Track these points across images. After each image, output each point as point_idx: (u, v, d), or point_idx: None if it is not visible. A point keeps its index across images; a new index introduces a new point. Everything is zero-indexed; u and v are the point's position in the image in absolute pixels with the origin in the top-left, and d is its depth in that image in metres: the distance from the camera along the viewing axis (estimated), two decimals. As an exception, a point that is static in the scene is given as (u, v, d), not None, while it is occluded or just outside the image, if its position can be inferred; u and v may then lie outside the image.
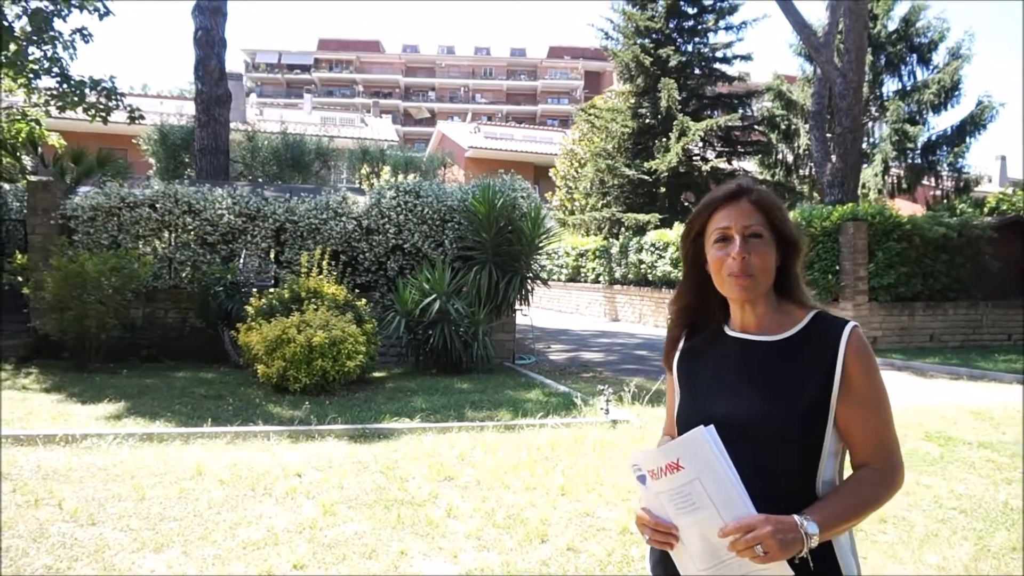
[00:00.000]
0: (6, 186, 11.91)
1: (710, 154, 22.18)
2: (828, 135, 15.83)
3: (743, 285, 1.44)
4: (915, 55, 20.84)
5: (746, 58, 22.23)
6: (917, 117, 20.54)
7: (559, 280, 22.34)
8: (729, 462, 1.32)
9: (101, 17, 11.98)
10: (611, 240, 19.95)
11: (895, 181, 21.27)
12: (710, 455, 1.31)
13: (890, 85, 21.41)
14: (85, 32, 11.90)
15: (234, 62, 68.19)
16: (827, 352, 1.40)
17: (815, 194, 21.16)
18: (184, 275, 9.64)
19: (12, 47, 11.02)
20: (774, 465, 1.37)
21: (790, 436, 1.37)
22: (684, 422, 1.49)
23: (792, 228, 1.48)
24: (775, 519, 1.27)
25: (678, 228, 16.12)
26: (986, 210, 14.31)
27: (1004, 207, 14.20)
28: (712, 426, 1.34)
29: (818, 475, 1.39)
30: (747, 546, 1.25)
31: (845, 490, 1.39)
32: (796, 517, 1.29)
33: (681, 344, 1.61)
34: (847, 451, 1.44)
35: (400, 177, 16.77)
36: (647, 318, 17.74)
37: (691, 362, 1.57)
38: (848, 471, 1.45)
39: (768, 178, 22.09)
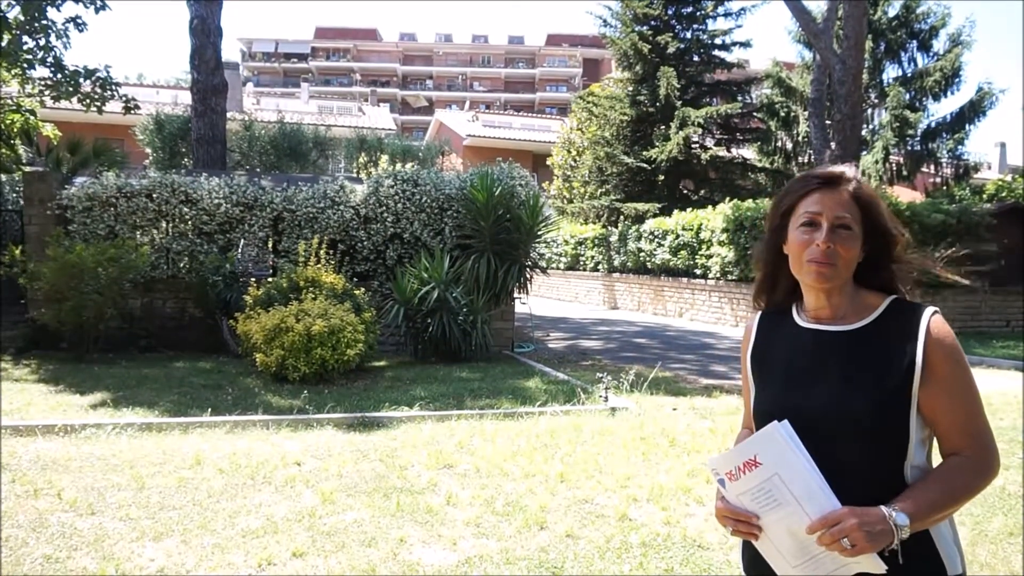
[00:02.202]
0: (2, 177, 11.87)
1: (709, 142, 22.11)
2: (827, 122, 15.77)
3: (823, 273, 1.40)
4: (915, 41, 20.75)
5: (745, 45, 22.13)
6: (917, 104, 20.48)
7: (558, 268, 22.34)
8: (806, 455, 1.30)
9: (97, 10, 11.87)
10: (610, 228, 19.93)
11: (895, 168, 21.23)
12: (786, 449, 1.30)
13: (890, 72, 21.35)
14: (79, 21, 11.79)
15: (230, 51, 67.90)
16: (907, 339, 1.36)
17: (814, 181, 21.08)
18: (182, 265, 9.62)
19: (5, 37, 10.92)
20: (857, 456, 1.34)
21: (871, 425, 1.33)
22: (761, 416, 1.46)
23: (888, 222, 1.44)
24: (861, 511, 1.24)
25: (677, 216, 16.10)
26: (985, 197, 14.30)
27: (1003, 194, 14.19)
28: (786, 420, 1.32)
29: (906, 464, 1.35)
30: (833, 540, 1.22)
31: (935, 479, 1.34)
32: (883, 508, 1.25)
33: (754, 334, 1.58)
34: (935, 439, 1.40)
35: (398, 166, 16.71)
36: (646, 306, 17.75)
37: (764, 354, 1.54)
38: (937, 460, 1.41)
39: (767, 165, 22.07)
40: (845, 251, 1.39)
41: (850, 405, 1.35)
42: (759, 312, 1.61)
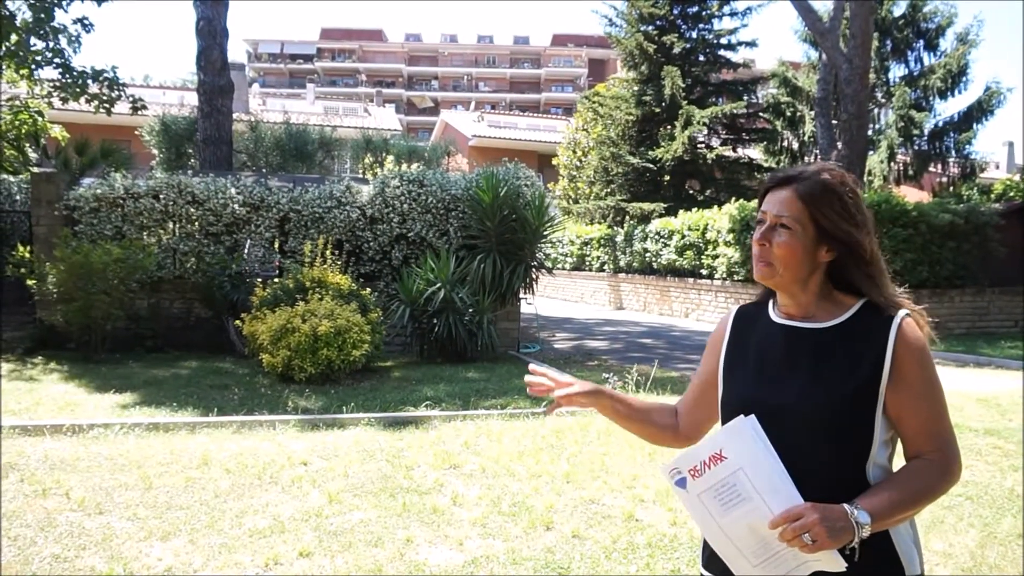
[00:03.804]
0: (10, 178, 11.93)
1: (715, 142, 22.06)
2: (834, 122, 15.71)
3: (760, 271, 1.44)
4: (922, 40, 20.67)
5: (751, 44, 22.07)
6: (923, 103, 20.40)
7: (564, 269, 22.33)
8: (772, 451, 1.30)
9: (99, 2, 11.91)
10: (615, 228, 19.90)
11: (901, 168, 21.15)
12: (752, 444, 1.30)
13: (896, 71, 21.26)
14: (86, 22, 11.85)
15: (236, 52, 67.95)
16: (877, 339, 1.37)
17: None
18: (189, 265, 9.65)
19: (14, 38, 10.98)
20: (821, 453, 1.35)
21: (836, 423, 1.35)
22: (729, 409, 1.47)
23: (841, 224, 1.39)
24: (823, 507, 1.24)
25: (683, 216, 16.07)
26: (993, 197, 14.23)
27: (1011, 193, 14.12)
28: (753, 416, 1.33)
29: (869, 464, 1.36)
30: (795, 535, 1.22)
31: (898, 479, 1.34)
32: (846, 506, 1.25)
33: (729, 328, 1.60)
34: (899, 441, 1.41)
35: (404, 166, 16.73)
36: (652, 306, 17.72)
37: (737, 348, 1.56)
38: (900, 463, 1.41)
39: (773, 165, 22.01)
40: (779, 249, 1.40)
41: (816, 402, 1.36)
42: (736, 306, 1.63)
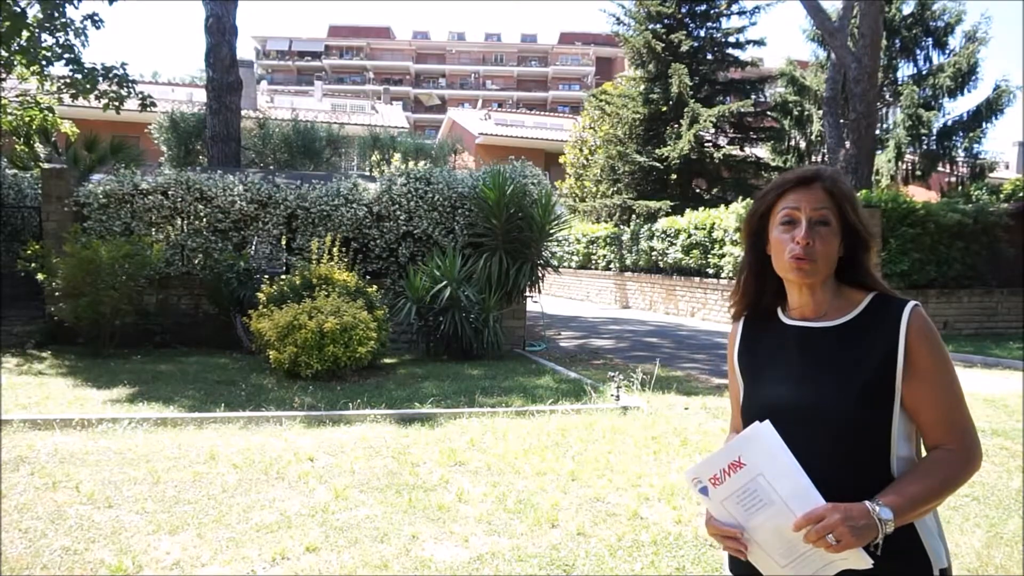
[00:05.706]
0: (20, 173, 12.02)
1: (722, 140, 22.01)
2: (842, 121, 15.66)
3: (803, 268, 1.42)
4: (931, 39, 20.55)
5: (759, 43, 21.99)
6: (932, 102, 20.28)
7: (570, 267, 22.31)
8: (790, 454, 1.30)
9: (111, 1, 11.98)
10: (622, 227, 19.88)
11: (909, 168, 21.04)
12: (770, 449, 1.31)
13: (905, 70, 21.15)
14: (96, 18, 11.91)
15: (245, 49, 68.21)
16: (888, 332, 1.38)
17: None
18: (196, 262, 9.70)
19: (25, 34, 11.04)
20: (842, 450, 1.35)
21: (854, 419, 1.35)
22: (747, 413, 1.48)
23: (862, 219, 1.46)
24: (844, 507, 1.24)
25: (689, 215, 16.04)
26: (1002, 197, 14.13)
27: (1021, 194, 14.01)
28: (768, 420, 1.33)
29: (892, 459, 1.36)
30: (819, 536, 1.23)
31: (919, 472, 1.35)
32: (868, 503, 1.26)
33: (739, 335, 1.60)
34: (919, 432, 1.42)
35: (411, 164, 16.75)
36: (658, 305, 17.70)
37: (750, 353, 1.56)
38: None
39: (780, 164, 21.94)
40: (823, 246, 1.42)
41: (835, 400, 1.37)
42: (744, 304, 1.63)
